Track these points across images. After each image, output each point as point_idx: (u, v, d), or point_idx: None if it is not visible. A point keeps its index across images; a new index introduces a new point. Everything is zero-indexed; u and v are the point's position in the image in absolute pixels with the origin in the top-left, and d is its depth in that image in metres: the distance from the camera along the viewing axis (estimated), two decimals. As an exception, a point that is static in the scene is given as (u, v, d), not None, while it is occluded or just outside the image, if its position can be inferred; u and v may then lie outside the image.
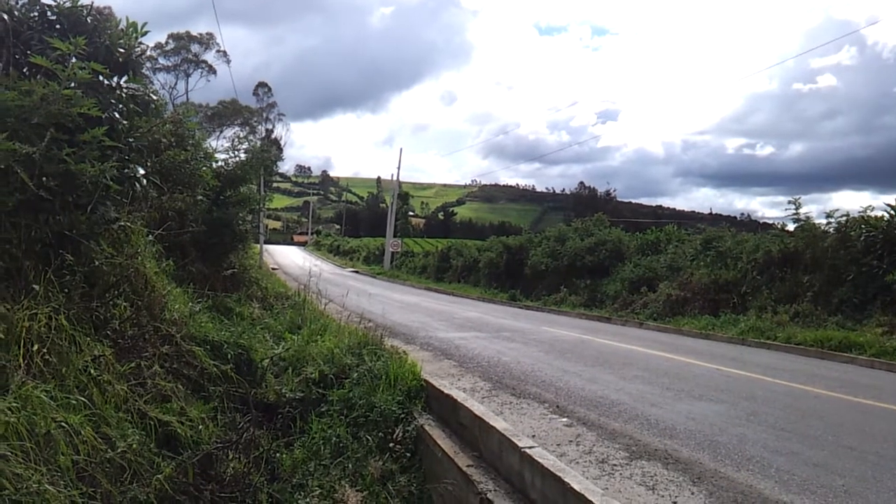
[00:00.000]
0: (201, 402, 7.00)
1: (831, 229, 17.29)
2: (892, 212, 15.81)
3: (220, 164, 14.09)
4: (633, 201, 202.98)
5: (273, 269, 34.94)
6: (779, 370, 11.24)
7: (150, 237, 8.35)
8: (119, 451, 4.98)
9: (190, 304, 8.80)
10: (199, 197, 11.76)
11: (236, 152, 14.99)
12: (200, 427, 6.44)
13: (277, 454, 7.09)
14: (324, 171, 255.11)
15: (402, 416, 7.48)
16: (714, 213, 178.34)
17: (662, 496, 5.10)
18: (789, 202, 18.88)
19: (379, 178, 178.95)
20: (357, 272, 54.22)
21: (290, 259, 60.15)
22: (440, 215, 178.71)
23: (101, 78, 6.66)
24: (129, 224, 7.07)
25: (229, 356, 8.07)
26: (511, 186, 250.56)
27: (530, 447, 5.49)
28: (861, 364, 12.39)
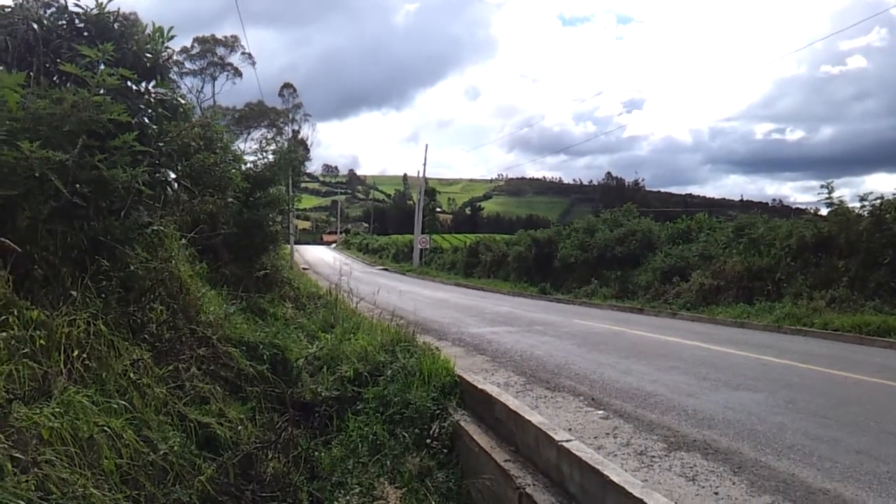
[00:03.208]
0: (239, 403, 7.05)
1: (865, 213, 16.91)
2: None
3: (248, 165, 14.19)
4: (662, 190, 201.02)
5: (304, 268, 35.19)
6: (816, 357, 11.04)
7: (183, 240, 8.41)
8: (161, 453, 5.01)
9: (224, 305, 8.87)
10: (230, 199, 11.85)
11: (264, 154, 15.09)
12: (239, 428, 6.47)
13: (316, 453, 7.12)
14: (351, 170, 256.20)
15: (438, 412, 7.47)
16: (745, 199, 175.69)
17: (703, 487, 5.03)
18: (821, 186, 18.57)
19: (405, 175, 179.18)
20: (386, 270, 54.40)
21: (320, 258, 60.57)
22: (467, 210, 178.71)
23: (129, 83, 6.73)
24: (162, 228, 7.12)
25: (265, 357, 8.11)
26: (538, 179, 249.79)
27: (567, 440, 5.44)
28: (902, 349, 12.10)
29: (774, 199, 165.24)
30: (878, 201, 16.64)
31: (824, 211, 18.89)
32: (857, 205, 17.49)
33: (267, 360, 8.07)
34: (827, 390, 8.53)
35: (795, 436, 6.32)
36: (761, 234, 20.05)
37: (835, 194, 18.25)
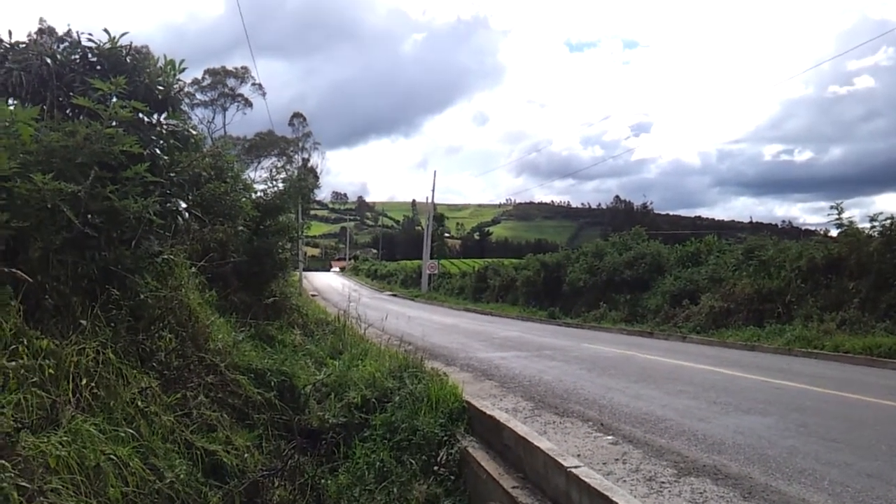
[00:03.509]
0: (246, 431, 7.05)
1: (875, 233, 16.84)
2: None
3: (259, 194, 14.33)
4: (671, 213, 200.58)
5: (313, 295, 35.23)
6: (828, 379, 10.95)
7: (193, 269, 8.48)
8: (167, 481, 5.03)
9: (233, 333, 8.91)
10: (240, 227, 11.96)
11: (274, 182, 15.24)
12: (246, 455, 6.47)
13: (322, 480, 7.11)
14: (360, 197, 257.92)
15: (445, 438, 7.43)
16: (754, 221, 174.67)
17: (713, 513, 4.99)
18: (831, 207, 18.49)
19: (414, 201, 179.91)
20: (395, 295, 54.38)
21: (328, 285, 60.63)
22: (476, 235, 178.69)
23: (141, 115, 6.84)
24: (172, 257, 7.18)
25: (273, 384, 8.12)
26: (546, 203, 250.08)
27: (576, 466, 5.41)
28: (914, 371, 11.98)
29: (784, 221, 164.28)
30: (889, 221, 16.56)
31: (834, 232, 18.85)
32: (868, 225, 17.45)
33: (275, 387, 8.08)
34: (838, 413, 8.45)
35: (806, 460, 6.27)
36: (771, 256, 19.98)
37: (845, 215, 18.18)
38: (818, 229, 26.78)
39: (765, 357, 14.69)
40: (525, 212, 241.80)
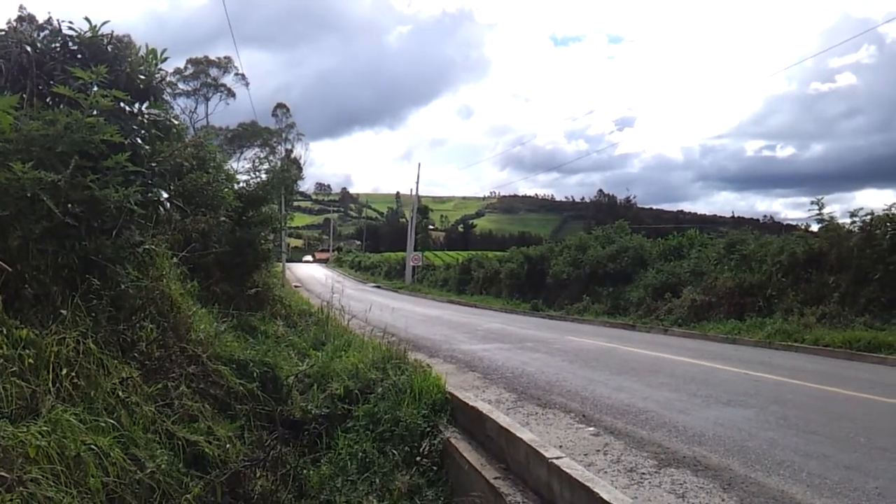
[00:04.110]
0: (228, 421, 7.02)
1: (856, 228, 17.03)
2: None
3: (241, 185, 14.23)
4: (654, 207, 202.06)
5: (296, 286, 35.14)
6: (807, 372, 11.09)
7: (175, 259, 8.43)
8: (148, 472, 5.00)
9: (215, 324, 8.85)
10: (222, 218, 11.86)
11: (257, 173, 15.13)
12: (228, 446, 6.44)
13: (304, 471, 7.10)
14: (343, 189, 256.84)
15: (428, 429, 7.46)
16: (736, 216, 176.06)
17: (693, 504, 5.05)
18: (812, 203, 18.65)
19: (398, 193, 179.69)
20: (379, 287, 54.39)
21: (311, 276, 60.47)
22: (460, 228, 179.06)
23: (122, 105, 6.80)
24: (153, 247, 7.12)
25: (255, 374, 8.08)
26: (530, 197, 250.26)
27: (558, 458, 5.45)
28: (891, 364, 12.16)
29: (765, 216, 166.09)
30: (869, 217, 16.74)
31: (815, 227, 19.00)
32: (848, 221, 17.62)
33: (257, 378, 8.04)
34: (817, 406, 8.56)
35: (786, 452, 6.35)
36: (752, 251, 20.16)
37: (825, 210, 18.36)
38: (799, 224, 27.01)
39: (745, 350, 14.84)
40: (509, 205, 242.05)
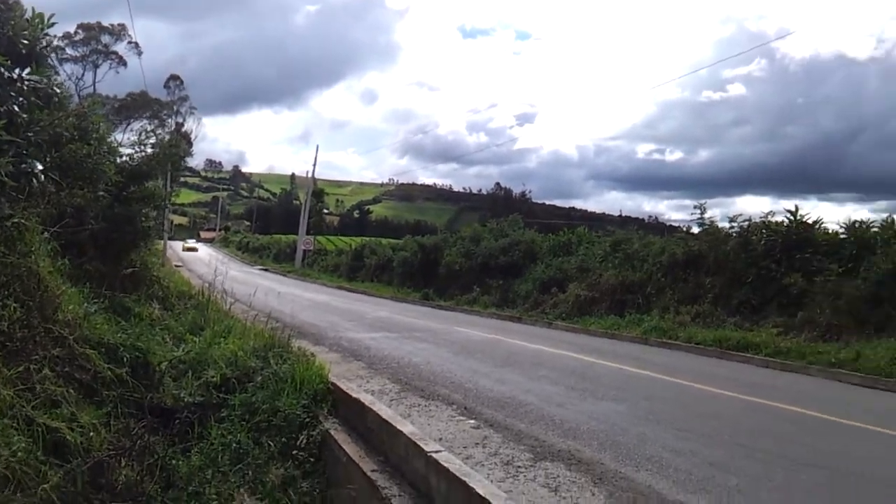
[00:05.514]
0: (94, 408, 6.62)
1: (734, 233, 17.97)
2: (791, 217, 16.58)
3: (125, 158, 13.42)
4: (548, 203, 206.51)
5: (177, 266, 33.69)
6: (679, 370, 11.61)
7: (46, 234, 7.89)
8: (2, 459, 4.72)
9: (85, 304, 8.32)
10: (101, 193, 11.16)
11: (143, 147, 14.30)
12: (92, 433, 6.10)
13: (173, 461, 6.76)
14: (235, 166, 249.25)
15: (308, 420, 7.27)
16: (624, 215, 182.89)
17: (564, 498, 5.14)
18: (695, 206, 19.61)
19: (293, 174, 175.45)
20: (267, 270, 53.16)
21: (195, 256, 58.33)
22: (356, 213, 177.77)
23: (1, 70, 6.41)
24: (23, 221, 6.71)
25: (125, 359, 7.65)
26: (429, 186, 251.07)
27: (437, 451, 5.42)
28: (756, 364, 12.93)
29: (651, 216, 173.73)
30: (746, 223, 17.71)
31: (696, 229, 19.93)
32: (727, 225, 18.65)
33: (127, 363, 7.61)
34: (687, 403, 8.98)
35: (654, 447, 6.58)
36: (636, 250, 21.01)
37: (707, 214, 19.38)
38: (681, 226, 28.44)
39: (623, 345, 15.44)
40: (407, 192, 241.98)
